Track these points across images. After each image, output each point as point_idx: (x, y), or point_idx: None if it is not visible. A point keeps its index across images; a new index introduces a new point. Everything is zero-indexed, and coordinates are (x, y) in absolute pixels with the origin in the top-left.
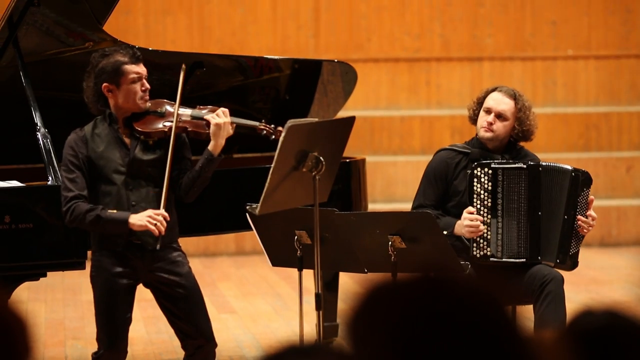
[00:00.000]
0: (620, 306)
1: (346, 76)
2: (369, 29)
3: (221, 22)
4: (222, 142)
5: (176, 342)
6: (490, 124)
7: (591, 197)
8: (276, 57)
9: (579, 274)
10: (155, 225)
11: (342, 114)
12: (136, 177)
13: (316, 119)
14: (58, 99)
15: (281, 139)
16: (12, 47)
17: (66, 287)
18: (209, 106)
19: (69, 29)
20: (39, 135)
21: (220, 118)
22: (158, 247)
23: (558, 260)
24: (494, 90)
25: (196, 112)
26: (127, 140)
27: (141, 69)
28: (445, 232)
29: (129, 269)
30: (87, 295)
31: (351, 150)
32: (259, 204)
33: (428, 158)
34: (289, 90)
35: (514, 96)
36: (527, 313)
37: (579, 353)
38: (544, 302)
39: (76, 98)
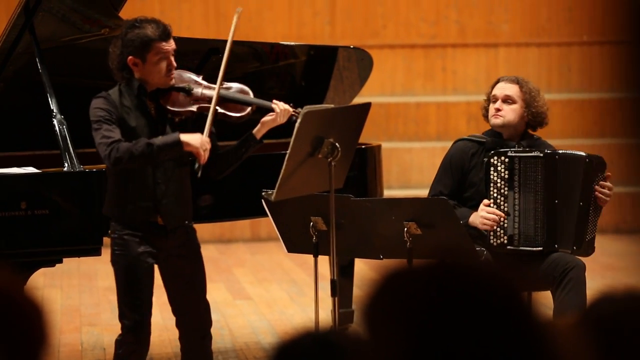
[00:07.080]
0: (637, 290)
1: (362, 62)
2: (384, 15)
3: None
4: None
5: None
6: (498, 109)
7: (608, 173)
8: (292, 43)
9: (595, 260)
10: (205, 151)
11: (358, 100)
12: None
13: (332, 105)
14: (74, 85)
15: (297, 125)
16: (28, 34)
17: (82, 274)
18: (233, 84)
19: (85, 16)
20: (55, 122)
21: (282, 119)
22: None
23: (575, 247)
24: (498, 82)
25: (253, 99)
26: (152, 113)
27: (170, 45)
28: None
29: (151, 248)
30: (103, 281)
31: (367, 137)
32: (275, 190)
33: (444, 144)
34: (304, 76)
35: (517, 81)
36: (543, 299)
37: (597, 338)
38: (565, 288)
39: (92, 84)
